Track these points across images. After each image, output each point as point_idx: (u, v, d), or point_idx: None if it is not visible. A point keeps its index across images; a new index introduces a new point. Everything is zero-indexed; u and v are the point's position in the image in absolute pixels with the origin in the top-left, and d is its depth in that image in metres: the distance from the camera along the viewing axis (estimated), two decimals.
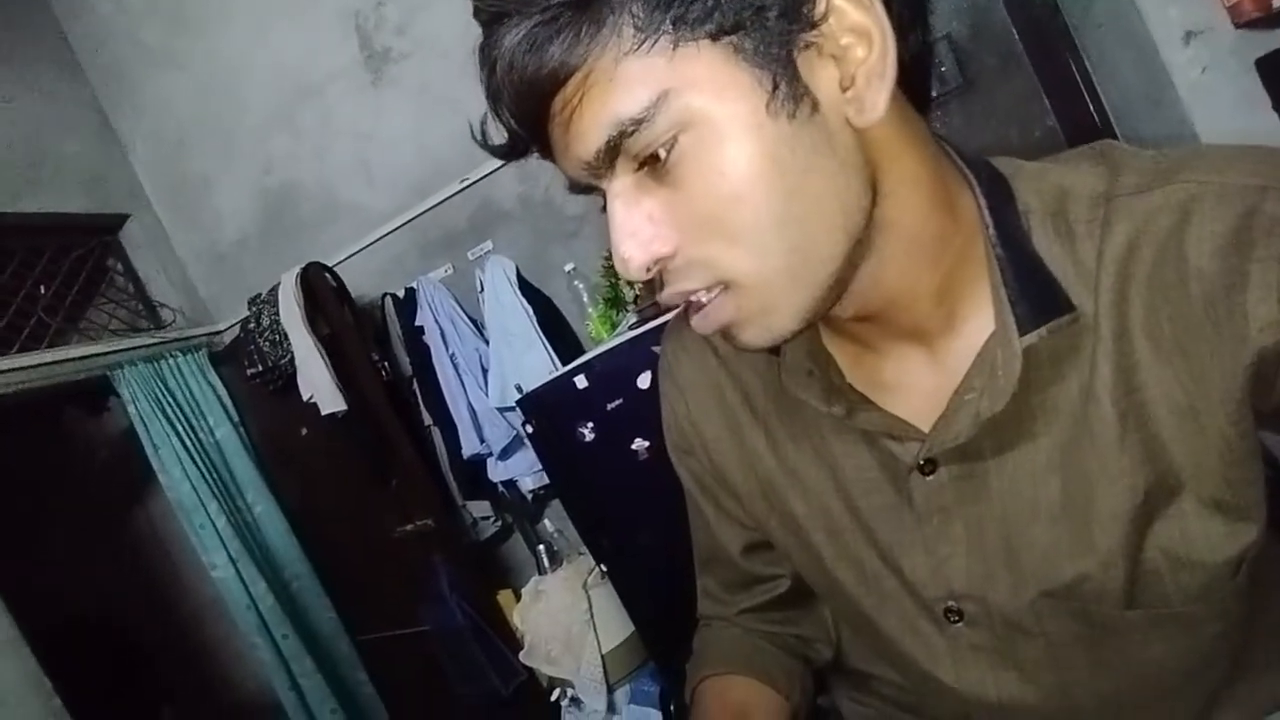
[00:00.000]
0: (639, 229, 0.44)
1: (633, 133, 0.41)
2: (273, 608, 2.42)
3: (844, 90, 0.43)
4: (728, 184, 0.41)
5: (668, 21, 0.40)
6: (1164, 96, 1.37)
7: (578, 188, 0.47)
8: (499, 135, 0.47)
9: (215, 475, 2.47)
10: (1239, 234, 0.42)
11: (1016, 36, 1.66)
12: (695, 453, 0.69)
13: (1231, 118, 1.30)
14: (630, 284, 1.92)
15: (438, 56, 2.24)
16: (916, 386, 0.53)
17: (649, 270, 0.45)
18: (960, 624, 0.56)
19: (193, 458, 2.41)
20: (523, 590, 2.19)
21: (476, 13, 0.44)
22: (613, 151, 0.42)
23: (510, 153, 0.47)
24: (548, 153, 0.46)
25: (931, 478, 0.53)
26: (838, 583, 0.61)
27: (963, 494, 0.53)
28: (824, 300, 0.45)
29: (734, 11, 0.40)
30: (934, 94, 1.69)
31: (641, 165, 0.43)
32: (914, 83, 0.47)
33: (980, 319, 0.50)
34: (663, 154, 0.42)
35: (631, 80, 0.40)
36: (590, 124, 0.42)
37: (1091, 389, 0.48)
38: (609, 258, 1.99)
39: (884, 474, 0.56)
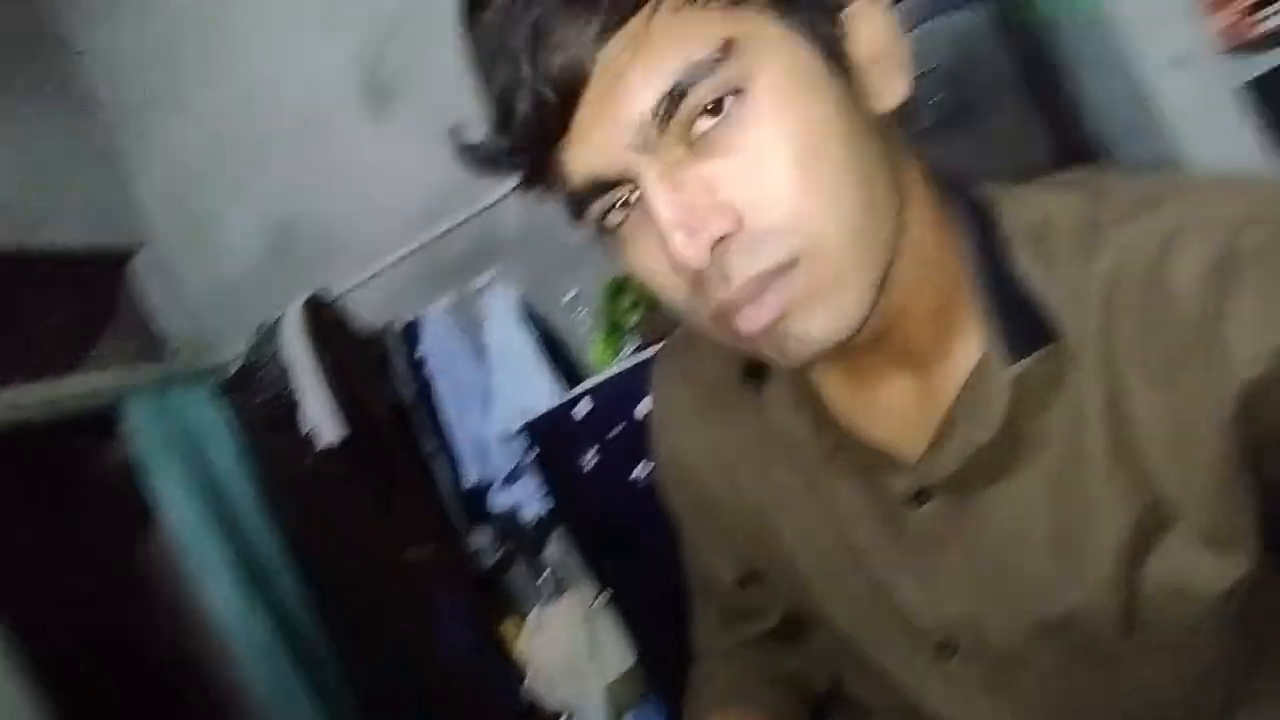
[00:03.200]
0: (695, 202, 0.40)
1: (695, 83, 0.39)
2: (273, 642, 2.40)
3: (866, 71, 0.44)
4: (794, 142, 0.40)
5: None
6: (1152, 125, 1.39)
7: (586, 199, 0.43)
8: (497, 148, 0.43)
9: (219, 507, 2.47)
10: (1220, 266, 0.42)
11: (1008, 66, 1.69)
12: (685, 484, 0.69)
13: (1220, 142, 1.32)
14: (632, 309, 1.93)
15: (441, 90, 2.27)
16: (905, 415, 0.53)
17: (711, 251, 0.40)
18: (955, 656, 0.55)
19: (197, 490, 2.42)
20: (526, 619, 2.18)
21: None
22: (675, 102, 0.39)
23: (510, 153, 0.42)
24: (564, 142, 0.41)
25: (923, 509, 0.53)
26: (829, 615, 0.60)
27: (955, 524, 0.52)
28: (877, 292, 0.44)
29: None
30: (928, 124, 1.72)
31: (689, 139, 0.40)
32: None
33: (968, 346, 0.50)
34: (727, 104, 0.39)
35: (695, 26, 0.39)
36: (650, 74, 0.39)
37: (1082, 418, 0.47)
38: (611, 284, 2.01)
39: (875, 505, 0.55)
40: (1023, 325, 0.47)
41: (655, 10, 0.38)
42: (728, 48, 0.38)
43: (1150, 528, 0.47)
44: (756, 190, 0.40)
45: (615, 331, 1.98)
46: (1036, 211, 0.49)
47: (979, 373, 0.49)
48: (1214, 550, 0.46)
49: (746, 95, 0.39)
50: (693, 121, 0.40)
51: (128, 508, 2.75)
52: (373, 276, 2.47)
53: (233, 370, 2.76)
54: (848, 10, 0.43)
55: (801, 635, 0.71)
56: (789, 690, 0.70)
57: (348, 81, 2.42)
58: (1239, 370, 0.42)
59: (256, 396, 2.34)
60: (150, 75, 2.70)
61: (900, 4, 1.73)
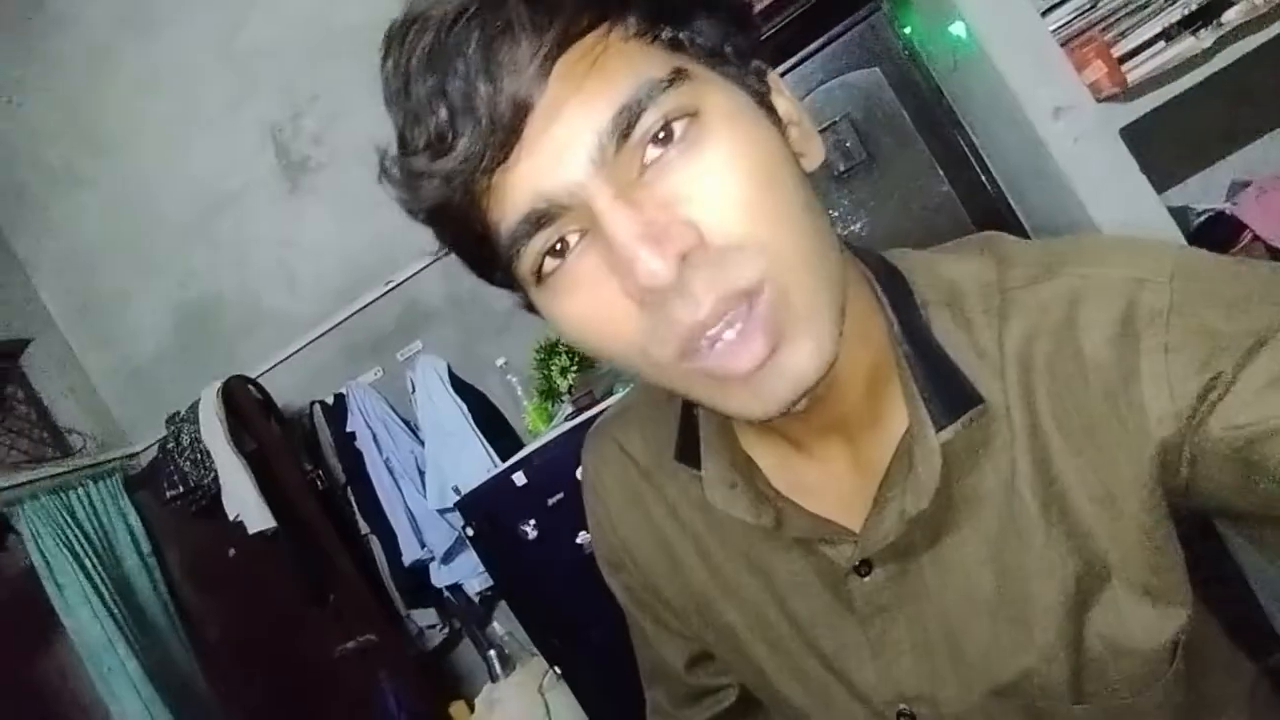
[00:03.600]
0: (654, 221, 0.38)
1: (649, 103, 0.38)
2: None
3: (789, 131, 0.46)
4: (759, 155, 0.40)
5: (665, 30, 0.41)
6: (1045, 166, 1.48)
7: (522, 236, 0.40)
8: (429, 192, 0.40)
9: (125, 613, 2.28)
10: (1125, 326, 0.43)
11: (907, 117, 1.78)
12: (626, 567, 0.67)
13: (1108, 182, 1.41)
14: (564, 374, 1.91)
15: (357, 163, 2.25)
16: (841, 485, 0.53)
17: (675, 267, 0.37)
18: None
19: (101, 595, 2.22)
20: (476, 700, 2.08)
21: (414, 20, 0.39)
22: (630, 120, 0.38)
23: (469, 161, 0.38)
24: (503, 168, 0.39)
25: (868, 579, 0.52)
26: (783, 695, 0.59)
27: (901, 592, 0.52)
28: (837, 338, 0.42)
29: (713, 38, 0.43)
30: (842, 168, 1.77)
31: (641, 163, 0.39)
32: None
33: (896, 414, 0.50)
34: (678, 131, 0.39)
35: (646, 53, 0.40)
36: (610, 83, 0.38)
37: (1012, 482, 0.48)
38: (541, 349, 1.99)
39: (820, 578, 0.54)
40: (947, 392, 0.47)
41: (608, 34, 0.39)
42: (679, 73, 0.39)
43: (1091, 585, 0.48)
44: (716, 207, 0.39)
45: (549, 396, 1.95)
46: (944, 278, 0.50)
47: (908, 440, 0.49)
48: (1151, 602, 0.47)
49: (699, 118, 0.39)
50: (644, 147, 0.39)
51: (27, 616, 2.52)
52: (294, 354, 2.39)
53: (143, 462, 2.60)
54: (768, 76, 0.45)
55: (756, 713, 0.69)
56: None
57: (261, 157, 2.37)
58: (1153, 431, 0.43)
59: (171, 488, 2.20)
60: (47, 158, 2.58)
61: (801, 67, 1.81)
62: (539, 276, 0.42)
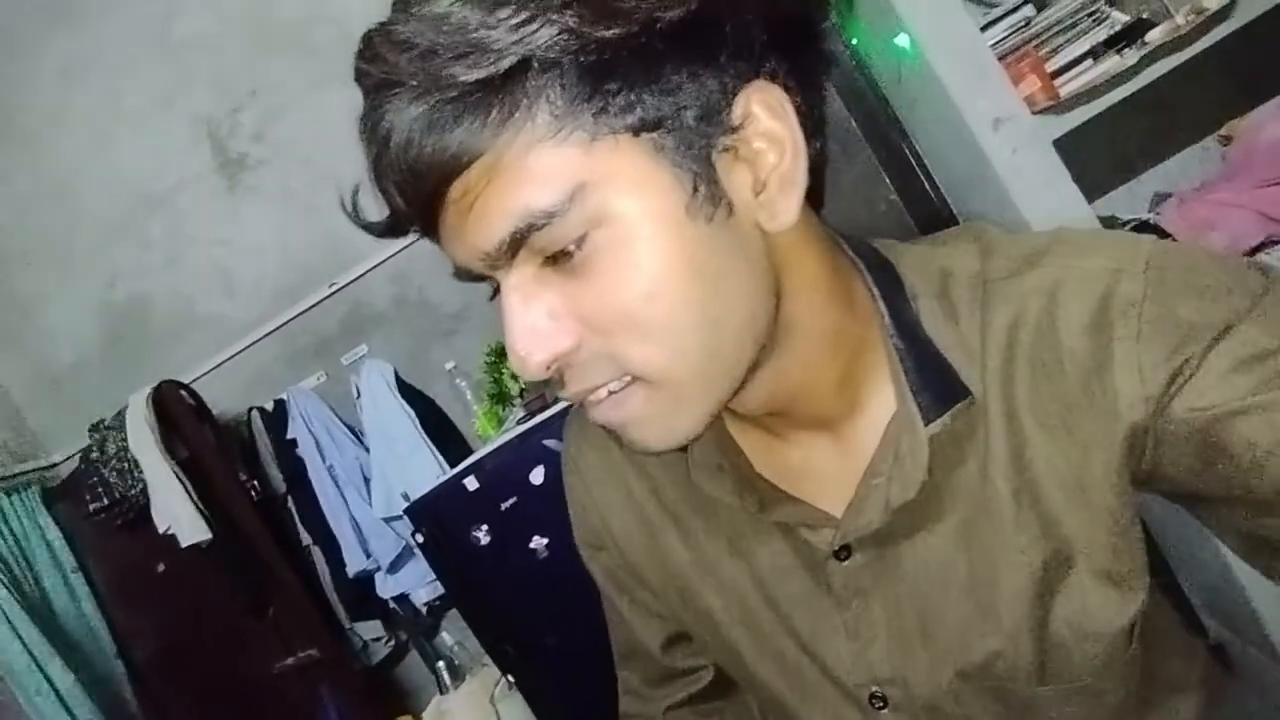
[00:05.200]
0: (537, 323, 0.41)
1: (543, 226, 0.38)
2: None
3: (756, 195, 0.42)
4: (644, 281, 0.40)
5: (587, 113, 0.38)
6: (985, 174, 1.53)
7: (466, 276, 0.44)
8: (376, 211, 0.43)
9: (50, 632, 2.15)
10: (1100, 315, 0.45)
11: (854, 125, 1.83)
12: (606, 548, 0.67)
13: (1043, 191, 1.47)
14: (515, 377, 1.89)
15: (298, 161, 2.19)
16: (825, 472, 0.54)
17: (549, 368, 0.42)
18: (885, 710, 0.55)
19: (23, 615, 2.09)
20: (424, 714, 2.02)
21: (360, 76, 0.40)
22: (517, 244, 0.39)
23: (388, 231, 0.43)
24: (434, 235, 0.42)
25: (847, 562, 0.53)
26: (758, 676, 0.60)
27: (878, 576, 0.53)
28: (725, 403, 0.45)
29: (656, 108, 0.39)
30: None
31: (547, 260, 0.40)
32: (812, 184, 0.46)
33: (881, 400, 0.51)
34: (573, 249, 0.39)
35: (544, 171, 0.38)
36: (495, 214, 0.39)
37: (986, 469, 0.49)
38: (491, 353, 1.96)
39: (799, 562, 0.55)
40: (936, 384, 0.48)
41: (510, 145, 0.38)
42: (576, 195, 0.38)
43: (1056, 570, 0.49)
44: (595, 319, 0.41)
45: (499, 400, 1.93)
46: (936, 268, 0.51)
47: (894, 430, 0.50)
48: (1113, 587, 0.49)
49: (604, 227, 0.39)
50: (551, 249, 0.40)
51: None
52: (230, 358, 2.29)
53: (63, 474, 2.46)
54: (727, 140, 0.41)
55: (730, 695, 0.70)
56: None
57: (196, 154, 2.27)
58: (1123, 414, 0.45)
59: (95, 500, 2.08)
60: None
61: None
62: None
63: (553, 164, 0.38)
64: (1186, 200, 1.54)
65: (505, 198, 0.38)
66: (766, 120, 0.42)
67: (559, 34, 0.36)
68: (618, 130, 0.38)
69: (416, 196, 0.40)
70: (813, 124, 0.45)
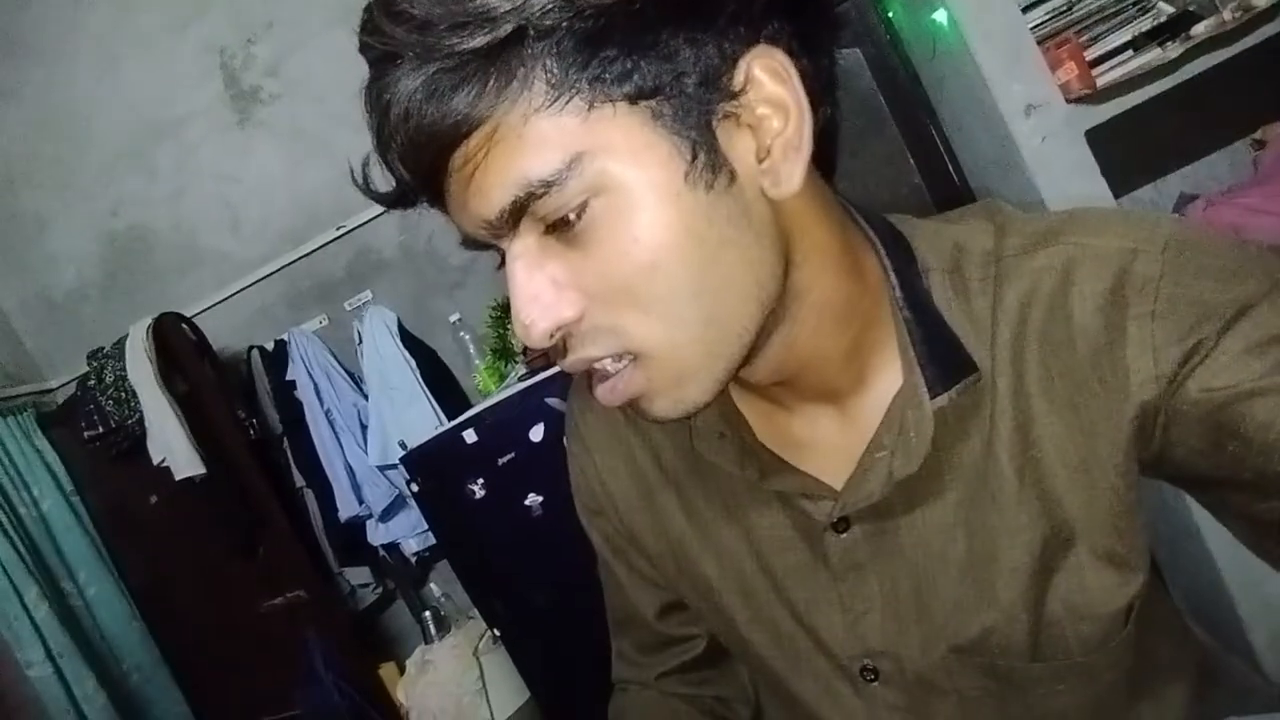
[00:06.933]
0: (541, 292, 0.42)
1: (542, 195, 0.39)
2: (104, 707, 2.09)
3: (760, 162, 0.42)
4: (642, 252, 0.40)
5: (584, 80, 0.38)
6: (1011, 161, 1.51)
7: (472, 244, 0.45)
8: (384, 181, 0.43)
9: (38, 555, 2.15)
10: (1115, 293, 0.44)
11: (883, 102, 1.79)
12: (605, 513, 0.67)
13: (1069, 182, 1.45)
14: None
15: (312, 99, 2.14)
16: (827, 444, 0.53)
17: (552, 336, 0.43)
18: (875, 683, 0.55)
19: (10, 536, 2.09)
20: (407, 662, 2.05)
21: (364, 49, 0.40)
22: (518, 212, 0.40)
23: (397, 201, 0.44)
24: (440, 204, 0.43)
25: (845, 535, 0.53)
26: (751, 645, 0.60)
27: (876, 550, 0.53)
28: (735, 370, 0.45)
29: (653, 75, 0.38)
30: None
31: (548, 229, 0.41)
32: (821, 150, 0.46)
33: (887, 376, 0.51)
34: (572, 218, 0.39)
35: (542, 140, 0.38)
36: (495, 182, 0.39)
37: (991, 446, 0.49)
38: (496, 307, 1.95)
39: (797, 532, 0.55)
40: (944, 359, 0.48)
41: (509, 114, 0.38)
42: (574, 163, 0.38)
43: (1056, 549, 0.49)
44: (596, 290, 0.41)
45: (502, 355, 1.91)
46: (950, 243, 0.51)
47: (900, 404, 0.49)
48: (1113, 568, 0.49)
49: (602, 196, 0.39)
50: (552, 217, 0.40)
51: None
52: (233, 295, 2.27)
53: (61, 398, 2.45)
54: (728, 107, 0.40)
55: (723, 665, 0.70)
56: None
57: (207, 84, 2.22)
58: (1134, 393, 0.44)
59: (90, 428, 2.07)
60: None
61: None
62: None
63: (550, 133, 0.38)
64: (1214, 203, 1.51)
65: (504, 166, 0.39)
66: (769, 85, 0.41)
67: (554, 1, 0.36)
68: (615, 98, 0.38)
69: (419, 166, 0.40)
70: (820, 89, 0.45)
